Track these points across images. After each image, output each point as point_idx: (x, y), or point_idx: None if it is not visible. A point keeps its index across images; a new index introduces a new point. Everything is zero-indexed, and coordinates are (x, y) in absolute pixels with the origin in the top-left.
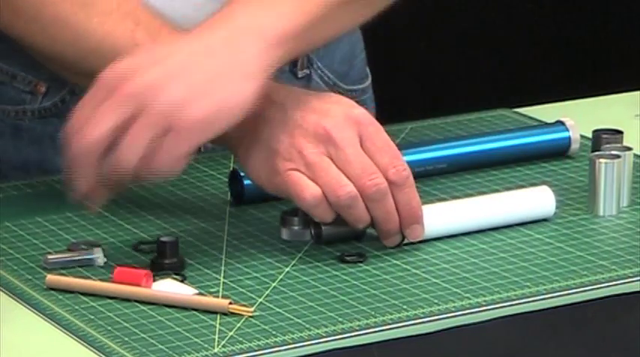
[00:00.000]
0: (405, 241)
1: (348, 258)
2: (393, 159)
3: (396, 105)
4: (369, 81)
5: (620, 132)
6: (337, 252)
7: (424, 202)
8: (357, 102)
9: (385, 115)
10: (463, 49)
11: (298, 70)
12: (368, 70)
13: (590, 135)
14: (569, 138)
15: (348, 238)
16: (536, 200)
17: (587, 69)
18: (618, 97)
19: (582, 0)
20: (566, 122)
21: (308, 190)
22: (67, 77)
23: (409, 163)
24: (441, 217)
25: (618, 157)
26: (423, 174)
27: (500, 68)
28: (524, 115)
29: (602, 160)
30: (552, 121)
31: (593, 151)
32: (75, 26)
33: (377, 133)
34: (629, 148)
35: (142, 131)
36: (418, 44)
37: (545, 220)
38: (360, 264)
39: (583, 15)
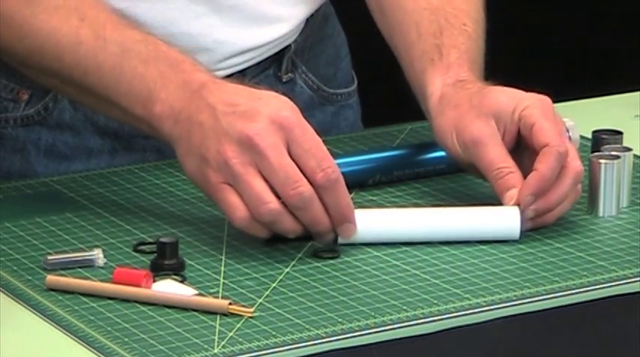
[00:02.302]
0: (340, 240)
1: (322, 254)
2: (320, 161)
3: (395, 105)
4: (354, 85)
5: (620, 133)
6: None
7: (424, 203)
8: (343, 106)
9: (385, 116)
10: None
11: (283, 75)
12: (353, 73)
13: (590, 135)
14: (569, 138)
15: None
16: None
17: (587, 69)
18: (618, 97)
19: (582, 0)
20: (566, 123)
21: (236, 212)
22: (27, 74)
23: (409, 163)
24: (435, 223)
25: (618, 157)
26: (423, 174)
27: (499, 69)
28: None
29: (602, 161)
30: None
31: (593, 152)
32: (20, 23)
33: (303, 135)
34: (629, 149)
35: None
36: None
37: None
38: (333, 260)
39: (583, 15)
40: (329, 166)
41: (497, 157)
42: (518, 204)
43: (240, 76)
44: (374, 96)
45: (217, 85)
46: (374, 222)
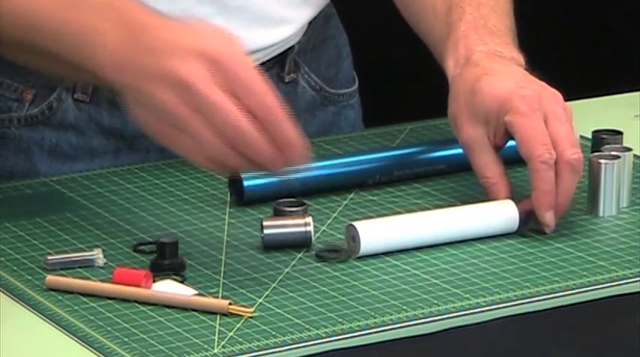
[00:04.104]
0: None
1: (326, 255)
2: (260, 97)
3: (396, 105)
4: (356, 85)
5: (620, 133)
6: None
7: (424, 203)
8: (344, 106)
9: (385, 116)
10: None
11: (285, 75)
12: (355, 74)
13: (590, 135)
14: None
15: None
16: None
17: (587, 69)
18: (618, 97)
19: (582, 0)
20: None
21: (194, 156)
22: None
23: (409, 163)
24: (436, 225)
25: (618, 157)
26: (423, 174)
27: None
28: None
29: (602, 161)
30: None
31: (593, 152)
32: None
33: (239, 71)
34: (629, 149)
35: None
36: (419, 44)
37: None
38: (341, 264)
39: (583, 15)
40: (270, 102)
41: (483, 165)
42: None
43: None
44: (374, 96)
45: (157, 23)
46: (379, 234)
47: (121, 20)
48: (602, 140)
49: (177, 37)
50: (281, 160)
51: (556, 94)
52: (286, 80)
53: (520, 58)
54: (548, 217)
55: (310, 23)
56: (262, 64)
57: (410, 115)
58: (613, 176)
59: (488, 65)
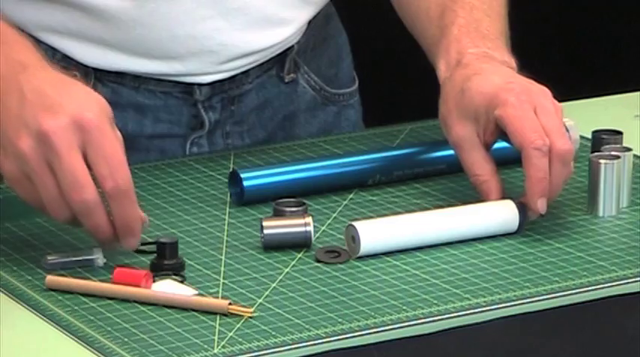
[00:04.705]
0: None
1: (326, 258)
2: (113, 169)
3: (396, 105)
4: (356, 85)
5: (620, 133)
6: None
7: (424, 203)
8: (345, 106)
9: (385, 116)
10: None
11: (285, 75)
12: (355, 74)
13: (589, 135)
14: (569, 138)
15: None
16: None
17: (587, 69)
18: (618, 97)
19: (583, 0)
20: (566, 123)
21: (31, 203)
22: None
23: (409, 163)
24: (433, 225)
25: (618, 157)
26: (423, 174)
27: None
28: None
29: (601, 161)
30: None
31: (592, 152)
32: None
33: (101, 139)
34: (629, 149)
35: None
36: (419, 44)
37: (542, 221)
38: (341, 264)
39: (583, 15)
40: (121, 177)
41: (473, 163)
42: (539, 213)
43: (244, 76)
44: (374, 96)
45: (37, 71)
46: (379, 234)
47: (9, 54)
48: (602, 140)
49: (50, 88)
50: (113, 239)
51: (544, 90)
52: (286, 80)
53: (512, 62)
54: (540, 204)
55: (310, 23)
56: (262, 64)
57: (410, 115)
58: (613, 176)
59: (478, 66)
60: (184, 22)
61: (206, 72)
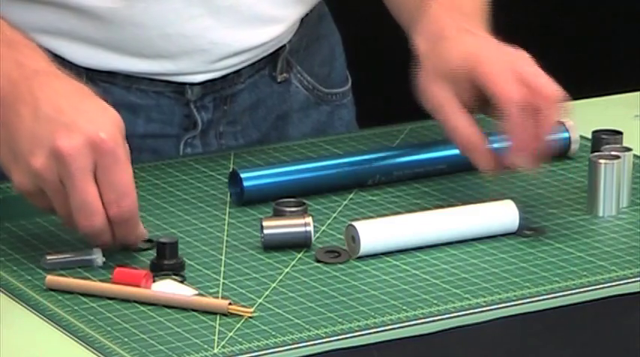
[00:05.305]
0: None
1: (326, 258)
2: (119, 196)
3: (396, 105)
4: (349, 84)
5: (620, 133)
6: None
7: (424, 203)
8: (338, 106)
9: (385, 116)
10: None
11: (278, 75)
12: (348, 73)
13: (589, 135)
14: (569, 139)
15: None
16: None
17: (587, 69)
18: (618, 97)
19: (582, 0)
20: (566, 123)
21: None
22: None
23: (409, 163)
24: (431, 225)
25: (618, 157)
26: (423, 174)
27: None
28: None
29: (601, 161)
30: None
31: (592, 152)
32: None
33: (114, 164)
34: (629, 149)
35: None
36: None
37: (542, 221)
38: (341, 264)
39: (583, 15)
40: (126, 205)
41: (456, 127)
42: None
43: (236, 76)
44: (371, 95)
45: (50, 79)
46: (379, 234)
47: (18, 58)
48: (602, 140)
49: (66, 104)
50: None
51: (525, 54)
52: (279, 80)
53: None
54: (520, 160)
55: (302, 22)
56: (253, 63)
57: (404, 116)
58: (613, 176)
59: (459, 38)
60: (174, 21)
61: (198, 71)
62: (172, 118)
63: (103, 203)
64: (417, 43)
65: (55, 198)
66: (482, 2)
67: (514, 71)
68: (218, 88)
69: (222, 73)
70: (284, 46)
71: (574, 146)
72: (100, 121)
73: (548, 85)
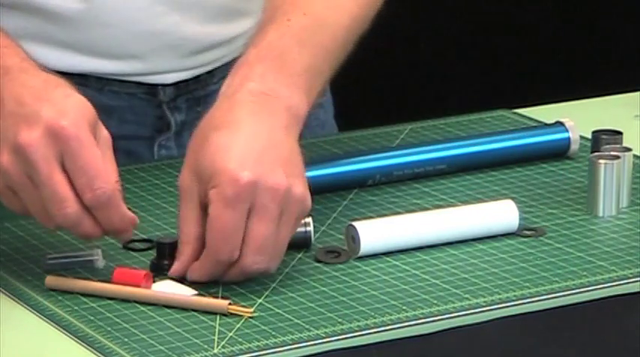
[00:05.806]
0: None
1: (326, 258)
2: (91, 180)
3: (395, 105)
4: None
5: (620, 133)
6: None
7: (424, 203)
8: (313, 106)
9: (385, 116)
10: (463, 50)
11: None
12: None
13: (589, 136)
14: (569, 139)
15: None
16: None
17: (587, 69)
18: (618, 97)
19: (582, 0)
20: (566, 123)
21: (17, 211)
22: None
23: (409, 163)
24: (431, 225)
25: (618, 157)
26: (423, 174)
27: (500, 69)
28: (524, 116)
29: (601, 161)
30: (552, 121)
31: (592, 152)
32: None
33: (78, 148)
34: (629, 149)
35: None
36: (418, 44)
37: (542, 221)
38: (341, 265)
39: (583, 15)
40: (99, 187)
41: (183, 218)
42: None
43: (209, 77)
44: (373, 96)
45: (20, 74)
46: (379, 234)
47: None
48: (602, 140)
49: (29, 96)
50: (100, 236)
51: (276, 189)
52: None
53: (300, 108)
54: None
55: None
56: (227, 64)
57: (409, 116)
58: (613, 176)
59: (239, 115)
60: (141, 19)
61: (169, 70)
62: (145, 120)
63: (76, 191)
64: (224, 82)
65: (24, 195)
66: (322, 51)
67: (239, 228)
68: (191, 89)
69: (195, 73)
70: None
71: (574, 146)
72: (62, 108)
73: (251, 259)
